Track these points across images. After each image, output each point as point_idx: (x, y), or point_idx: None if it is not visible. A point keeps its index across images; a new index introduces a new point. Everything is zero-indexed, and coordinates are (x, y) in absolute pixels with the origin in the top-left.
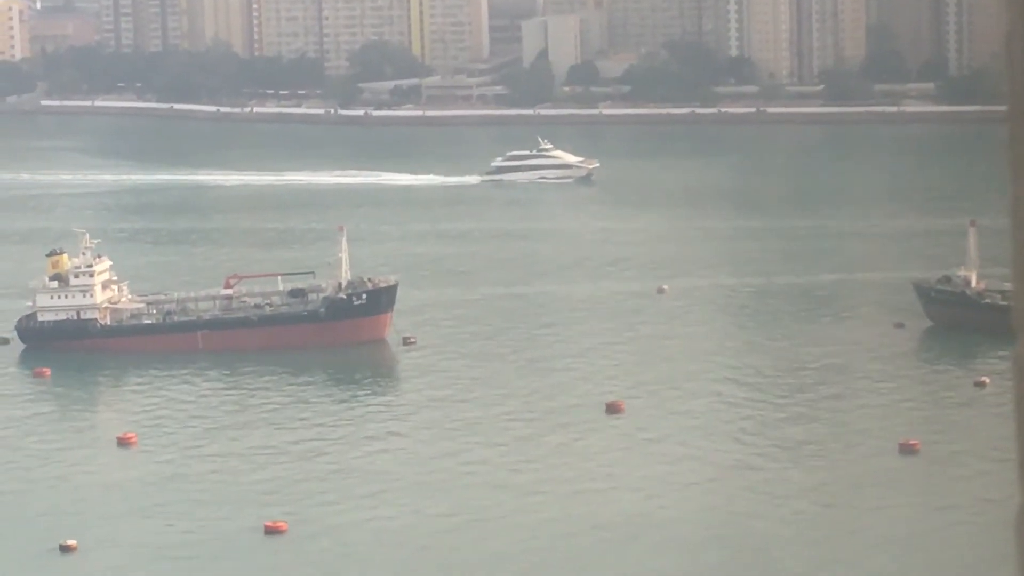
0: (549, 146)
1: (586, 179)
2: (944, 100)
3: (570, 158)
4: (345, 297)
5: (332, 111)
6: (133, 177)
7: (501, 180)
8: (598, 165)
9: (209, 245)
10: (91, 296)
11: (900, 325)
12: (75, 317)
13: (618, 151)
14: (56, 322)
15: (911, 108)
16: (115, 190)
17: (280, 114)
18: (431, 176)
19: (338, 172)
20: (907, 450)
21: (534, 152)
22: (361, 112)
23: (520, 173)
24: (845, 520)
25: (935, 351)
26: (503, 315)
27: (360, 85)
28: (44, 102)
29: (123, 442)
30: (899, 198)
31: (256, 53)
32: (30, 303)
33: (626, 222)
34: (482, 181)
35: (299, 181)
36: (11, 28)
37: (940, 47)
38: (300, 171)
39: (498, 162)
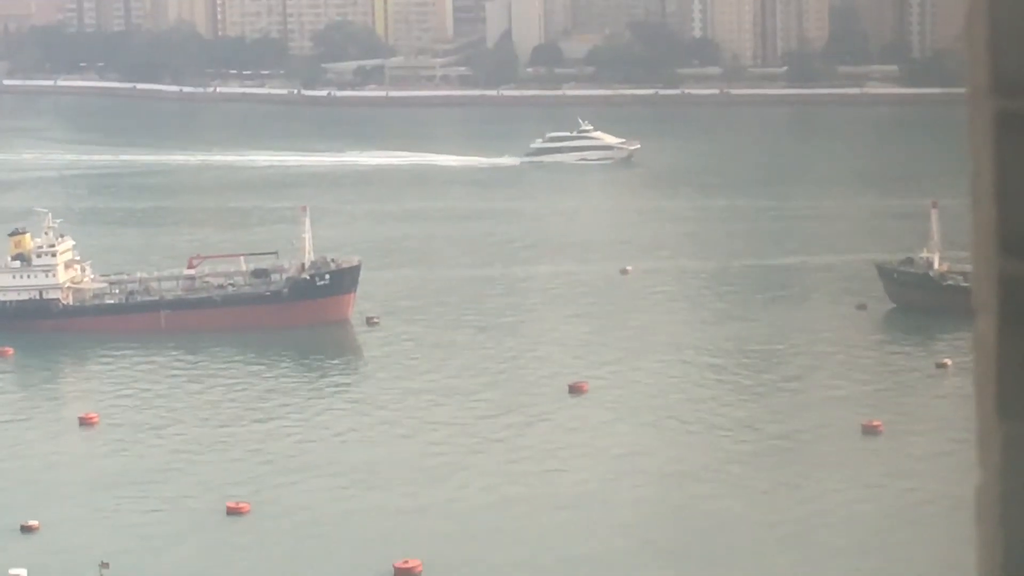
0: (590, 127)
1: (627, 160)
2: (907, 82)
3: (611, 139)
4: (308, 278)
5: (296, 91)
6: (96, 157)
7: (542, 161)
8: (639, 147)
9: (173, 225)
10: (54, 276)
11: (863, 306)
12: (37, 297)
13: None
14: (18, 302)
15: (874, 90)
16: (78, 170)
17: (243, 94)
18: (472, 157)
19: (374, 152)
20: (870, 431)
21: (575, 133)
22: (324, 92)
23: (561, 155)
24: (807, 500)
25: (898, 333)
26: (467, 296)
27: (323, 65)
28: (6, 81)
29: (85, 422)
30: (862, 180)
31: (219, 34)
32: None
33: (599, 202)
34: (522, 163)
35: (286, 162)
36: None
37: (903, 29)
38: (281, 151)
39: (538, 143)
